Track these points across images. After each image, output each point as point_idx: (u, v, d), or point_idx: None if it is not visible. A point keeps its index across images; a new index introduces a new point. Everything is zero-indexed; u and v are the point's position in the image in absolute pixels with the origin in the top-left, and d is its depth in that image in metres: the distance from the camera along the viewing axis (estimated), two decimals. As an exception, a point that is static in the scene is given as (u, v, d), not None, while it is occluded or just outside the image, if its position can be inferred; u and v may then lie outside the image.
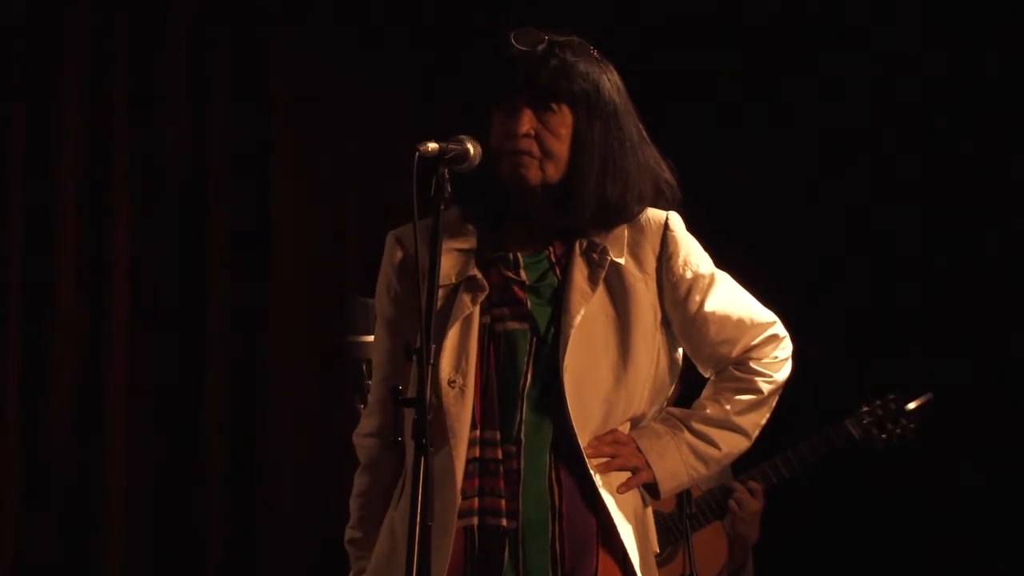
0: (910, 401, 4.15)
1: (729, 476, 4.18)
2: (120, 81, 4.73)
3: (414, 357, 2.59)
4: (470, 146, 2.73)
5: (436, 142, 2.69)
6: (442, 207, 2.68)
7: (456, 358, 2.78)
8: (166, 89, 4.79)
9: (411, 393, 2.69)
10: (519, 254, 2.86)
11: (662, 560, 3.94)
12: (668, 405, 2.96)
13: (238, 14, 4.87)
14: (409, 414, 2.62)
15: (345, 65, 4.94)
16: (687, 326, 2.89)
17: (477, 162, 2.74)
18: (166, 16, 4.79)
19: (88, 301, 4.66)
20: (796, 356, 2.99)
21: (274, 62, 4.91)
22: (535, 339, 2.81)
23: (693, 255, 2.90)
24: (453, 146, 2.71)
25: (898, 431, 4.13)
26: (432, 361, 2.58)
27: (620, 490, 2.82)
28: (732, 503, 4.15)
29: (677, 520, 3.99)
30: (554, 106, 2.78)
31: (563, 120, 2.79)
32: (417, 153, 2.65)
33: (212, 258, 4.80)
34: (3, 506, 4.53)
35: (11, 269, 4.59)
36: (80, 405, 4.64)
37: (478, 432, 2.79)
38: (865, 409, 4.15)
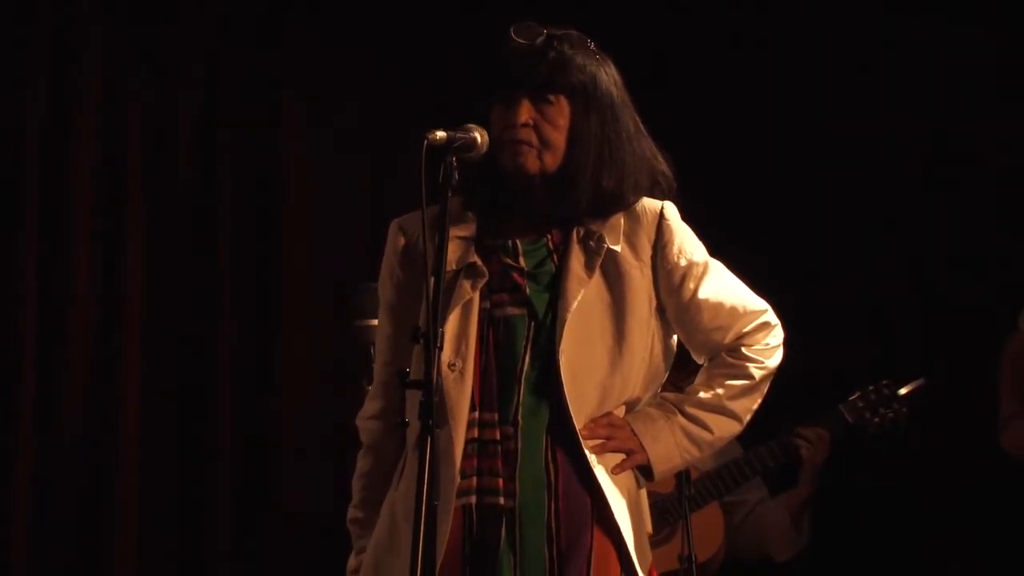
0: (902, 386, 4.20)
1: (739, 452, 4.22)
2: (134, 78, 4.77)
3: (421, 340, 2.62)
4: (477, 135, 2.76)
5: (444, 130, 2.71)
6: (449, 194, 2.70)
7: (456, 342, 2.80)
8: (180, 87, 4.83)
9: (414, 376, 2.72)
10: (518, 241, 2.88)
11: (659, 541, 4.00)
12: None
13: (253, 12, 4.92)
14: (412, 396, 2.66)
15: (355, 55, 4.97)
16: (681, 313, 2.91)
17: (484, 150, 2.77)
18: (180, 18, 4.84)
19: (102, 295, 4.70)
20: (788, 344, 3.01)
21: (286, 56, 4.95)
22: (533, 324, 2.84)
23: (688, 243, 2.92)
24: (461, 135, 2.74)
25: (890, 415, 4.18)
26: (440, 345, 2.61)
27: (615, 471, 2.85)
28: (803, 445, 4.20)
29: (675, 502, 4.03)
30: (552, 98, 2.81)
31: (561, 111, 2.82)
32: (426, 141, 2.67)
33: (223, 248, 4.82)
34: (17, 495, 4.57)
35: (27, 262, 4.63)
36: (94, 396, 4.67)
37: (477, 414, 2.81)
38: (858, 394, 4.21)
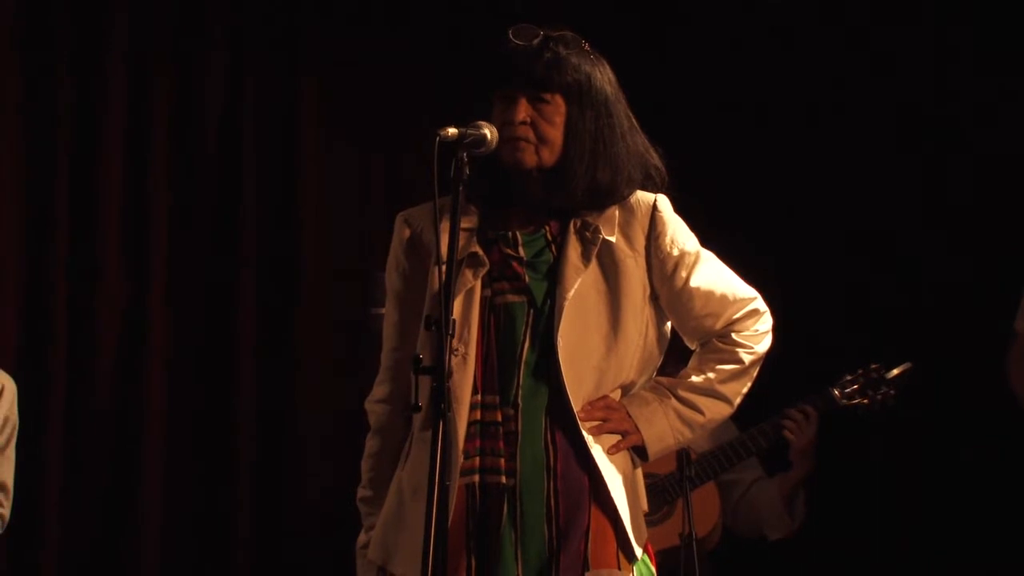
0: (891, 369, 4.24)
1: (734, 433, 4.27)
2: (161, 76, 4.83)
3: (433, 328, 2.67)
4: (487, 131, 2.81)
5: (456, 127, 2.76)
6: (460, 188, 2.75)
7: (459, 329, 2.85)
8: (203, 84, 4.87)
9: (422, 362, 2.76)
10: (518, 232, 2.94)
11: (657, 520, 4.06)
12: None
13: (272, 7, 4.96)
14: (422, 380, 2.70)
15: (370, 51, 5.01)
16: (674, 300, 2.97)
17: (495, 146, 2.82)
18: (204, 13, 4.89)
19: (130, 282, 4.76)
20: (784, 329, 3.07)
21: (303, 51, 4.99)
22: (532, 311, 2.90)
23: (680, 234, 2.97)
24: (472, 131, 2.79)
25: (879, 397, 4.22)
26: (452, 332, 2.66)
27: (611, 451, 2.91)
28: (787, 430, 4.24)
29: (675, 482, 4.09)
30: (548, 96, 2.87)
31: (557, 109, 2.87)
32: (438, 138, 2.73)
33: (244, 239, 4.87)
34: (49, 470, 4.63)
35: (59, 248, 4.69)
36: (122, 376, 4.74)
37: (479, 397, 2.88)
38: (849, 377, 4.24)
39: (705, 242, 3.02)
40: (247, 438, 4.83)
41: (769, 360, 3.04)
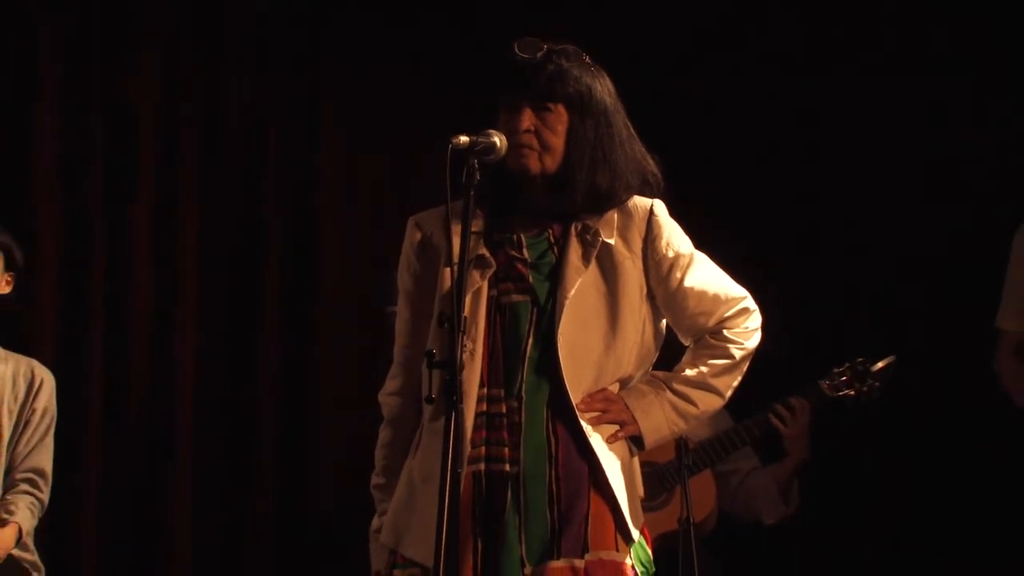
0: (876, 362, 4.30)
1: (729, 423, 4.34)
2: (191, 97, 4.92)
3: (446, 325, 2.75)
4: (497, 139, 2.89)
5: (467, 135, 2.84)
6: (472, 193, 2.82)
7: (468, 326, 2.89)
8: (229, 99, 4.97)
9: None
10: (522, 235, 3.02)
11: (657, 506, 4.12)
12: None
13: (293, 36, 5.06)
14: (435, 374, 2.78)
15: (386, 64, 5.09)
16: (669, 299, 3.05)
17: (504, 153, 2.91)
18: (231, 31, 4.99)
19: (160, 283, 4.86)
20: (774, 325, 3.16)
21: (322, 66, 5.09)
22: (535, 310, 2.98)
23: (675, 237, 3.05)
24: (482, 139, 2.87)
25: (865, 389, 4.28)
26: (463, 329, 2.74)
27: (609, 441, 2.99)
28: (775, 421, 4.31)
29: (674, 470, 4.15)
30: (551, 106, 2.95)
31: (559, 118, 2.96)
32: (450, 145, 2.81)
33: (268, 241, 4.96)
34: (89, 454, 4.72)
35: (96, 251, 4.79)
36: (153, 374, 4.83)
37: (485, 390, 2.95)
38: (836, 371, 4.31)
39: (700, 243, 3.09)
40: (270, 431, 4.91)
41: (764, 355, 3.11)
